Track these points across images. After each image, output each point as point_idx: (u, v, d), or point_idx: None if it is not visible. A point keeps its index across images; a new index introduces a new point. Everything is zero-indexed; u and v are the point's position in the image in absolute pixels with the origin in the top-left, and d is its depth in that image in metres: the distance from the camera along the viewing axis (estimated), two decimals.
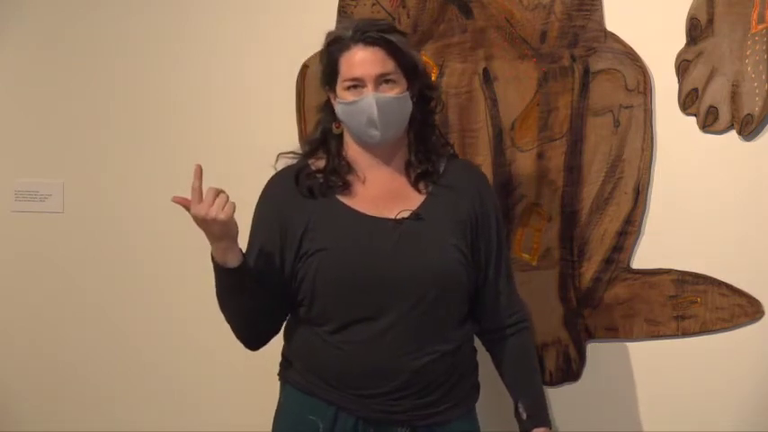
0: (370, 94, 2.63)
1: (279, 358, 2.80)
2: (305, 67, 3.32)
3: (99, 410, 3.67)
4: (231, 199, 2.55)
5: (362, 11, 3.26)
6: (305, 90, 3.33)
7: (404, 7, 3.23)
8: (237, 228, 2.59)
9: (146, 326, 3.60)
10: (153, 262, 3.58)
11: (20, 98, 3.70)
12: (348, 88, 2.67)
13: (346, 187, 2.72)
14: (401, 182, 2.74)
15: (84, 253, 3.64)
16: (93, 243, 3.62)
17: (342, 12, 3.30)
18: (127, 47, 3.56)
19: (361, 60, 2.65)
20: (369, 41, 2.66)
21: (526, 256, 3.06)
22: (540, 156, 3.17)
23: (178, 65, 3.52)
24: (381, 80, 2.65)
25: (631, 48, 3.09)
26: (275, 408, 2.78)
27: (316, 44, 3.23)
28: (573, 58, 3.14)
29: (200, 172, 2.56)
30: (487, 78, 3.20)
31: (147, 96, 3.55)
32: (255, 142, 3.28)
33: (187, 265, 3.42)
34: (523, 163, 3.18)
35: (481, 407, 2.80)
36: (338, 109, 2.70)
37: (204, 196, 2.53)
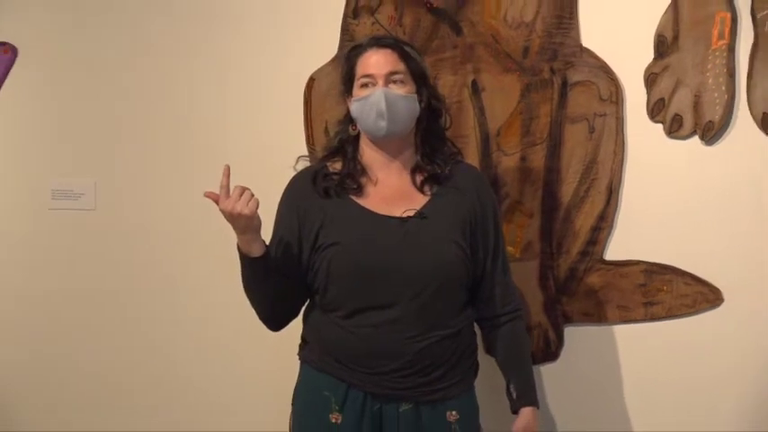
0: (380, 89, 2.64)
1: (298, 341, 2.79)
2: (311, 79, 3.34)
3: (129, 395, 3.67)
4: None
5: (363, 29, 3.27)
6: (311, 100, 3.34)
7: (401, 26, 3.24)
8: (260, 221, 2.59)
9: (173, 313, 3.59)
10: (178, 255, 3.57)
11: (54, 105, 3.69)
12: (362, 86, 2.68)
13: (359, 188, 2.72)
14: (408, 184, 2.73)
15: (115, 247, 3.63)
16: (123, 238, 3.62)
17: (345, 30, 3.31)
18: (154, 61, 3.55)
19: (375, 60, 2.68)
20: (382, 45, 2.71)
21: (510, 248, 3.04)
22: (522, 159, 3.16)
23: (200, 77, 3.51)
24: (391, 78, 2.66)
25: (605, 62, 3.08)
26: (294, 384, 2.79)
27: (321, 59, 3.31)
28: (552, 72, 3.12)
29: (228, 171, 2.59)
30: (475, 89, 3.19)
31: (172, 105, 3.55)
32: (267, 145, 3.27)
33: (210, 259, 3.43)
34: (508, 165, 3.17)
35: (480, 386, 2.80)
36: (353, 108, 2.71)
37: (231, 193, 2.55)
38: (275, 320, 2.78)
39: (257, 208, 2.56)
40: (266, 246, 2.67)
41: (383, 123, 2.64)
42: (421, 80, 2.73)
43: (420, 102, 2.71)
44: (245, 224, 2.57)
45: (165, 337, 3.61)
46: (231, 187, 2.55)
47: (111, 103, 3.61)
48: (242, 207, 2.54)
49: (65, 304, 3.70)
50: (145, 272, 3.61)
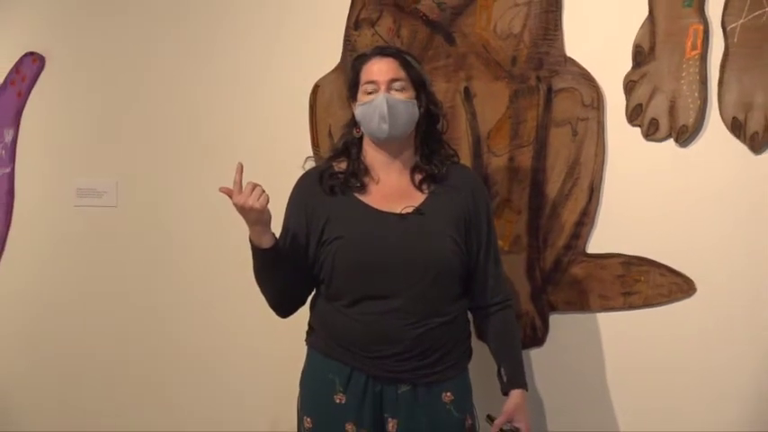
0: (383, 94, 2.65)
1: (306, 328, 2.80)
2: (316, 86, 3.37)
3: (144, 379, 3.68)
4: None
5: (364, 40, 3.28)
6: (316, 105, 3.37)
7: (398, 37, 3.25)
8: (270, 215, 2.61)
9: (187, 302, 3.61)
10: (192, 249, 3.58)
11: (79, 110, 3.72)
12: (366, 92, 2.69)
13: (363, 186, 2.73)
14: (408, 183, 2.75)
15: (134, 240, 3.66)
16: (142, 232, 3.65)
17: (347, 41, 3.33)
18: (171, 70, 3.59)
19: (378, 68, 2.70)
20: (385, 54, 2.74)
21: (500, 242, 3.01)
22: (511, 159, 3.16)
23: (213, 85, 3.53)
24: (392, 85, 2.68)
25: (587, 70, 3.08)
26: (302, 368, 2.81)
27: (325, 68, 3.33)
28: (538, 79, 3.12)
29: (241, 168, 2.61)
30: (468, 95, 3.20)
31: (188, 110, 3.57)
32: (275, 147, 3.29)
33: (222, 252, 3.45)
34: (497, 166, 3.17)
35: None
36: (357, 112, 2.72)
37: (243, 188, 2.57)
38: (283, 308, 2.80)
39: (267, 203, 2.58)
40: (276, 238, 2.68)
41: (385, 126, 2.65)
42: (420, 87, 2.74)
43: (419, 107, 2.72)
44: (255, 217, 2.58)
45: (179, 324, 3.62)
46: (243, 183, 2.57)
47: (130, 109, 3.64)
48: (253, 201, 2.55)
49: (88, 292, 3.72)
50: (162, 263, 3.63)
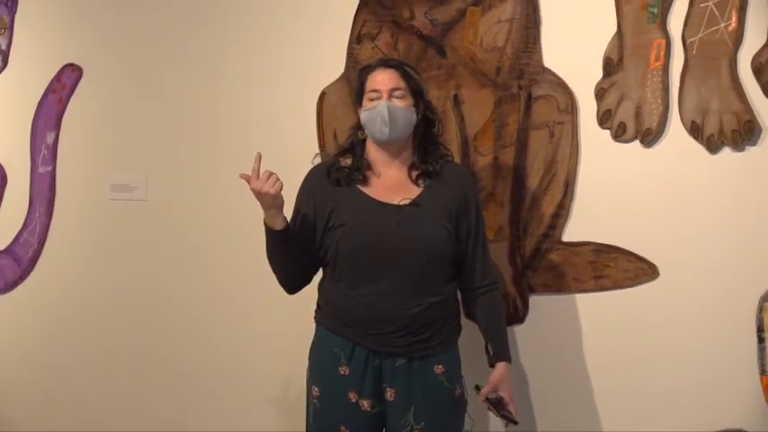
0: (384, 101, 2.67)
1: (314, 308, 2.83)
2: (323, 94, 3.37)
3: (172, 364, 3.68)
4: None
5: (365, 53, 3.29)
6: (323, 110, 3.37)
7: (396, 50, 3.26)
8: (283, 200, 2.65)
9: (210, 284, 3.60)
10: (214, 237, 3.58)
11: (112, 114, 3.73)
12: (370, 99, 2.71)
13: (365, 180, 2.75)
14: (405, 178, 2.76)
15: (162, 230, 3.66)
16: (169, 223, 3.65)
17: (350, 54, 3.33)
18: (197, 78, 3.58)
19: (381, 78, 2.72)
20: (388, 65, 2.75)
21: None
22: (495, 158, 3.16)
23: (232, 92, 3.54)
24: (393, 93, 2.69)
25: (562, 79, 3.09)
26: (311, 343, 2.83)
27: (331, 77, 3.34)
28: (519, 87, 3.13)
29: (259, 158, 2.66)
30: (457, 102, 3.20)
31: (210, 114, 3.57)
32: (287, 146, 3.28)
33: (240, 239, 3.44)
34: (483, 164, 3.18)
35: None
36: (362, 116, 2.74)
37: (260, 175, 2.61)
38: (291, 285, 2.82)
39: (281, 189, 2.62)
40: (287, 221, 2.70)
41: (386, 129, 2.68)
42: (419, 95, 2.75)
43: (417, 113, 2.74)
44: (270, 202, 2.62)
45: (201, 308, 3.61)
46: (260, 172, 2.61)
47: (158, 114, 3.64)
48: (269, 187, 2.60)
49: (121, 277, 3.72)
50: (186, 250, 3.62)
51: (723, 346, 2.93)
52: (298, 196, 2.81)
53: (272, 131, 3.45)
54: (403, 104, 2.72)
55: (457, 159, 3.13)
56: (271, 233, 2.70)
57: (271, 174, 2.63)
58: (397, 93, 2.72)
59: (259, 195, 2.63)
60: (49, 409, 3.85)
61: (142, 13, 3.67)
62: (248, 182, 2.63)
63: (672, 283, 3.00)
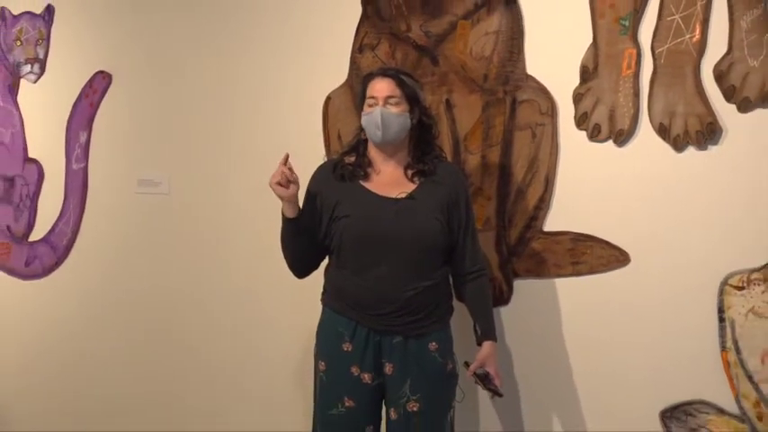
0: (379, 108, 2.68)
1: (321, 290, 2.84)
2: (328, 98, 3.39)
3: (191, 351, 3.70)
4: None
5: (366, 61, 3.30)
6: (328, 113, 3.39)
7: (394, 59, 3.26)
8: (299, 187, 2.72)
9: (228, 272, 3.62)
10: (231, 227, 3.60)
11: (139, 117, 3.77)
12: (368, 105, 2.72)
13: (366, 176, 2.77)
14: (402, 175, 2.78)
15: (183, 221, 3.70)
16: (190, 215, 3.68)
17: (353, 62, 3.34)
18: (215, 86, 3.61)
19: (378, 86, 2.73)
20: (385, 75, 2.75)
21: None
22: (483, 157, 3.17)
23: (245, 97, 3.56)
24: (388, 100, 2.70)
25: (544, 85, 3.09)
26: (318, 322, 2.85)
27: (335, 83, 3.35)
28: (505, 92, 3.13)
29: (286, 158, 2.70)
30: (449, 106, 3.21)
31: (227, 117, 3.60)
32: (295, 146, 3.13)
33: (255, 229, 3.46)
34: (472, 162, 3.18)
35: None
36: (362, 120, 2.76)
37: (281, 174, 2.68)
38: (300, 270, 2.84)
39: (298, 188, 2.69)
40: (300, 210, 2.73)
41: (379, 133, 2.70)
42: (414, 101, 2.75)
43: (412, 118, 2.75)
44: (282, 193, 2.68)
45: (222, 289, 3.64)
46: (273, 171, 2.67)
47: (179, 116, 3.67)
48: (290, 185, 2.69)
49: (146, 261, 3.76)
50: (204, 238, 3.65)
51: (688, 325, 2.93)
52: (307, 189, 2.82)
53: (283, 132, 3.46)
54: (397, 110, 2.72)
55: (449, 158, 3.13)
56: (285, 221, 2.74)
57: (289, 173, 2.68)
58: (392, 100, 2.72)
59: (278, 188, 2.70)
60: (76, 376, 3.92)
61: (165, 28, 3.68)
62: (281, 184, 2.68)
63: (642, 269, 2.99)
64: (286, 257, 2.82)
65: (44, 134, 3.95)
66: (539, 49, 3.12)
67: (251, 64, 3.54)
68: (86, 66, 3.83)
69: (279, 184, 2.68)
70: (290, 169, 2.70)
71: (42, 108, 3.95)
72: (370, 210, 2.72)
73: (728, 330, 2.87)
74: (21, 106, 4.00)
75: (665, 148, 2.95)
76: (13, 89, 3.99)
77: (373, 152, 2.81)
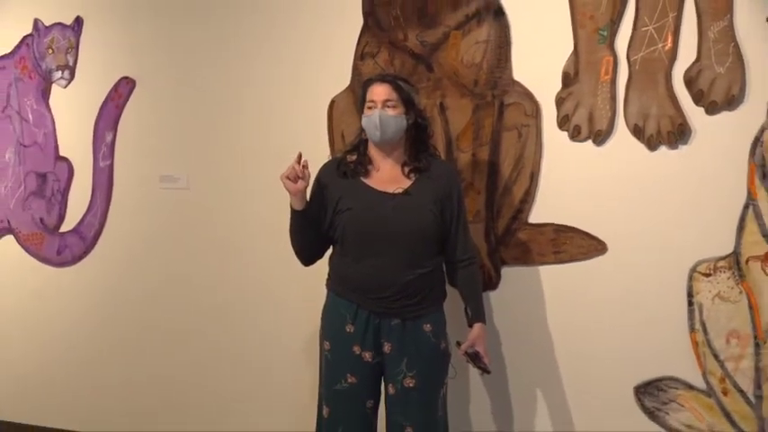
0: (377, 111, 2.69)
1: (326, 277, 2.84)
2: (332, 102, 3.37)
3: (204, 339, 3.67)
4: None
5: (367, 68, 3.28)
6: (332, 115, 3.37)
7: (392, 66, 3.25)
8: (307, 183, 2.72)
9: (242, 260, 3.59)
10: (244, 220, 3.57)
11: (161, 119, 3.74)
12: (368, 108, 2.72)
13: (367, 173, 2.76)
14: (399, 172, 2.77)
15: (201, 214, 3.67)
16: (207, 208, 3.65)
17: (354, 68, 3.32)
18: (230, 89, 3.58)
19: (377, 90, 2.72)
20: (383, 80, 2.75)
21: None
22: (474, 155, 3.17)
23: (256, 101, 3.53)
24: (386, 103, 2.70)
25: (529, 90, 3.09)
26: (323, 305, 2.84)
27: (339, 88, 3.34)
28: (493, 96, 3.13)
29: (299, 157, 2.70)
30: (442, 108, 3.21)
31: (238, 119, 3.56)
32: (302, 146, 3.08)
33: (265, 222, 3.43)
34: (464, 160, 3.18)
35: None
36: (362, 122, 2.75)
37: (292, 170, 2.69)
38: (306, 258, 2.83)
39: (307, 184, 2.69)
40: (307, 203, 2.73)
41: (377, 133, 2.70)
42: (410, 104, 2.75)
43: (408, 120, 2.74)
44: (302, 187, 2.69)
45: (235, 275, 3.61)
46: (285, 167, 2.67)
47: (197, 119, 3.64)
48: (300, 180, 2.69)
49: (168, 251, 3.74)
50: (221, 231, 3.62)
51: (659, 309, 2.93)
52: (313, 185, 2.81)
53: (291, 132, 3.44)
54: (394, 113, 2.72)
55: (443, 156, 3.12)
56: (293, 213, 2.74)
57: (302, 169, 2.69)
58: (390, 103, 2.72)
59: (288, 183, 2.69)
60: (102, 358, 3.91)
61: (183, 38, 3.66)
62: (295, 178, 2.68)
63: (618, 257, 2.99)
64: (294, 246, 2.82)
65: (73, 135, 3.94)
66: (524, 57, 3.12)
67: (263, 70, 3.52)
68: (112, 72, 3.82)
69: (288, 178, 2.68)
70: (305, 167, 2.71)
71: (72, 111, 3.93)
72: (370, 203, 2.72)
73: (697, 313, 2.89)
74: (52, 109, 3.98)
75: (640, 147, 2.95)
76: (45, 94, 3.98)
77: (373, 151, 2.81)
